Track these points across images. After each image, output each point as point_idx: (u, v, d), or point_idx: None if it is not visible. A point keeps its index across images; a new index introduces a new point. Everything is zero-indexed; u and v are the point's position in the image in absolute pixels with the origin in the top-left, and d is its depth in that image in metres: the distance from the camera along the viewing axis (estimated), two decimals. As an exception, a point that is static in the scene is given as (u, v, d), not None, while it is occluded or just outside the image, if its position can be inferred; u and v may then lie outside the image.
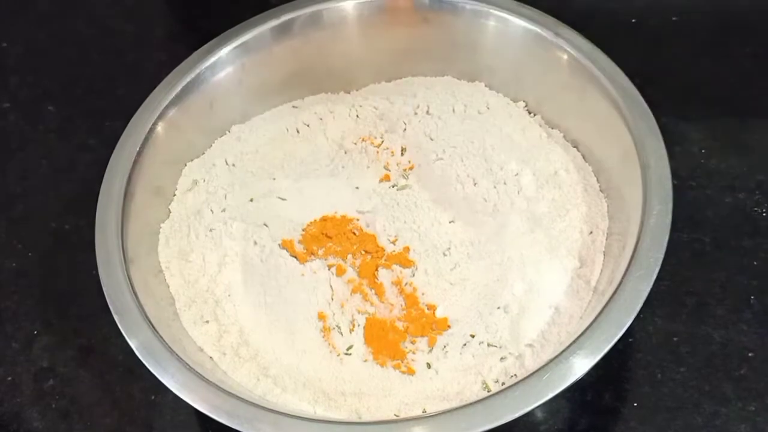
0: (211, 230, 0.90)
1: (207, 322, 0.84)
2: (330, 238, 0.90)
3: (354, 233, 0.90)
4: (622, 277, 0.74)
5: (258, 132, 0.99)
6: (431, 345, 0.82)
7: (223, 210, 0.92)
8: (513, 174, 0.90)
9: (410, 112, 0.99)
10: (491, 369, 0.79)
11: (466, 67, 1.02)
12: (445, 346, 0.81)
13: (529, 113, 0.98)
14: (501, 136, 0.94)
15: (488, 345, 0.81)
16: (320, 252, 0.89)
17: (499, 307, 0.82)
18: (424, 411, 0.77)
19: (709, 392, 0.84)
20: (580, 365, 0.69)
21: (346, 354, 0.82)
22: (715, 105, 1.05)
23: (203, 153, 0.97)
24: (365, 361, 0.82)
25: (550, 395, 0.68)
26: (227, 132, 0.99)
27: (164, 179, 0.92)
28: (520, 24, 0.93)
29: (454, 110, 0.98)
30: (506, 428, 0.68)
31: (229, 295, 0.85)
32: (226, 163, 0.96)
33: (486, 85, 1.01)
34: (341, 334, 0.83)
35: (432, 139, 0.95)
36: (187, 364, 0.74)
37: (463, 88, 1.01)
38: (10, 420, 0.89)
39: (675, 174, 0.80)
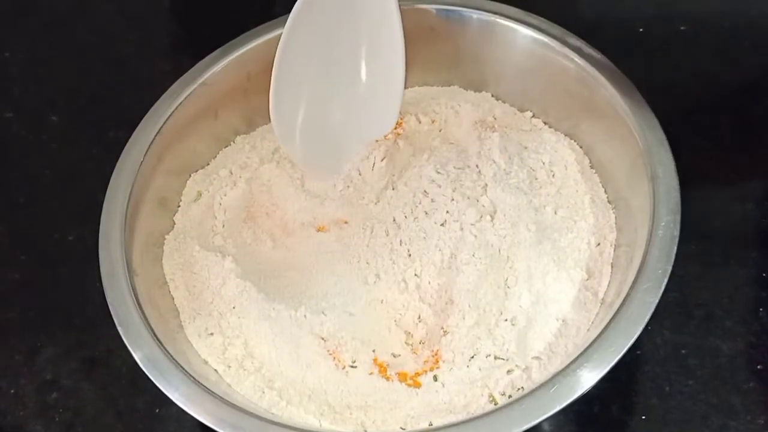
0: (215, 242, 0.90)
1: (211, 334, 0.84)
2: None
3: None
4: (630, 289, 0.73)
5: (263, 142, 0.99)
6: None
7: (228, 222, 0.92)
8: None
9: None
10: (498, 382, 0.78)
11: (472, 76, 1.01)
12: (451, 360, 0.81)
13: (535, 123, 0.98)
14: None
15: (495, 358, 0.80)
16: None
17: (506, 320, 0.82)
18: (431, 424, 0.76)
19: (718, 405, 0.83)
20: (588, 378, 0.69)
21: (352, 367, 0.82)
22: (723, 114, 1.04)
23: (208, 163, 0.97)
24: (371, 374, 0.81)
25: (557, 408, 0.68)
26: (232, 142, 0.99)
27: (168, 189, 0.92)
28: (527, 33, 0.93)
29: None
30: (513, 441, 0.67)
31: (233, 308, 0.84)
32: (231, 174, 0.96)
33: (492, 95, 1.00)
34: (346, 346, 0.83)
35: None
36: (192, 376, 0.73)
37: (470, 97, 1.01)
38: (13, 433, 0.89)
39: (683, 184, 0.79)
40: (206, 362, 0.81)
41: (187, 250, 0.89)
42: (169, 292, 0.86)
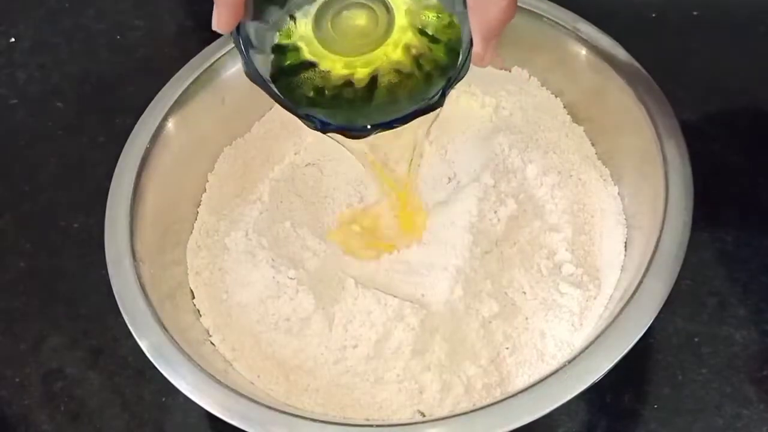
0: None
1: (221, 322, 0.84)
2: None
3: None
4: (642, 277, 0.73)
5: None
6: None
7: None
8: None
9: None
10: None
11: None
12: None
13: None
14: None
15: None
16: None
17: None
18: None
19: (731, 394, 0.83)
20: (599, 366, 0.69)
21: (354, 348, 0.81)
22: (737, 101, 1.03)
23: (215, 149, 0.97)
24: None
25: (569, 397, 0.68)
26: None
27: (175, 176, 0.91)
28: (538, 19, 0.92)
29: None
30: (524, 430, 0.67)
31: (244, 295, 0.84)
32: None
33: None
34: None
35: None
36: (199, 365, 0.73)
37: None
38: (18, 422, 0.88)
39: (696, 171, 0.78)
40: (214, 350, 0.81)
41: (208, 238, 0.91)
42: (176, 280, 0.86)
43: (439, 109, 0.70)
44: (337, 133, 0.70)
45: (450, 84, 0.69)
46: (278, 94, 0.70)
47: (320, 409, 0.78)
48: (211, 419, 0.82)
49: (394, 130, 0.69)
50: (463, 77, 0.69)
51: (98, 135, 1.10)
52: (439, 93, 0.69)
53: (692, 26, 1.12)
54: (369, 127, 0.69)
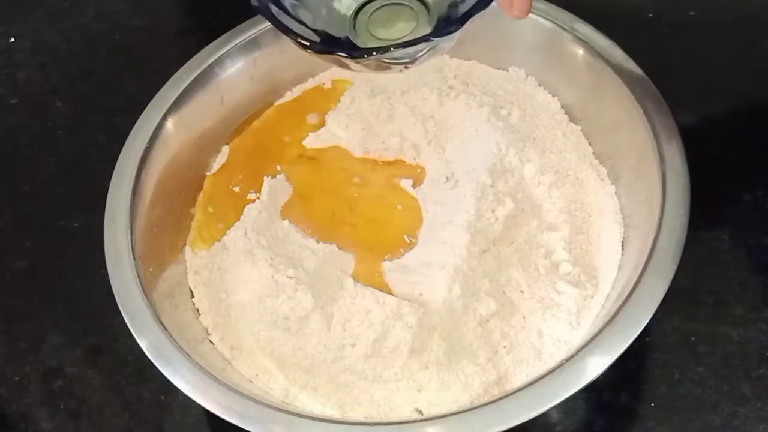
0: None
1: (220, 321, 0.84)
2: None
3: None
4: (639, 276, 0.73)
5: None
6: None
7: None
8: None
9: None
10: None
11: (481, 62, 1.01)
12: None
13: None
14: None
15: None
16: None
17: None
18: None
19: (728, 392, 0.83)
20: (597, 365, 0.69)
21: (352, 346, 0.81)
22: (734, 101, 1.04)
23: (214, 148, 0.97)
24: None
25: (566, 395, 0.68)
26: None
27: (174, 175, 0.91)
28: (536, 20, 0.92)
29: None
30: (522, 428, 0.67)
31: (242, 294, 0.84)
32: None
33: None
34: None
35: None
36: (198, 364, 0.73)
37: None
38: (18, 420, 0.88)
39: (693, 171, 0.79)
40: (213, 349, 0.82)
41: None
42: (176, 279, 0.87)
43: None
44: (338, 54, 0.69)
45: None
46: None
47: (319, 408, 0.78)
48: (210, 417, 0.82)
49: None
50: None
51: (98, 135, 1.10)
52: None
53: (689, 26, 1.12)
54: (392, 48, 0.68)
